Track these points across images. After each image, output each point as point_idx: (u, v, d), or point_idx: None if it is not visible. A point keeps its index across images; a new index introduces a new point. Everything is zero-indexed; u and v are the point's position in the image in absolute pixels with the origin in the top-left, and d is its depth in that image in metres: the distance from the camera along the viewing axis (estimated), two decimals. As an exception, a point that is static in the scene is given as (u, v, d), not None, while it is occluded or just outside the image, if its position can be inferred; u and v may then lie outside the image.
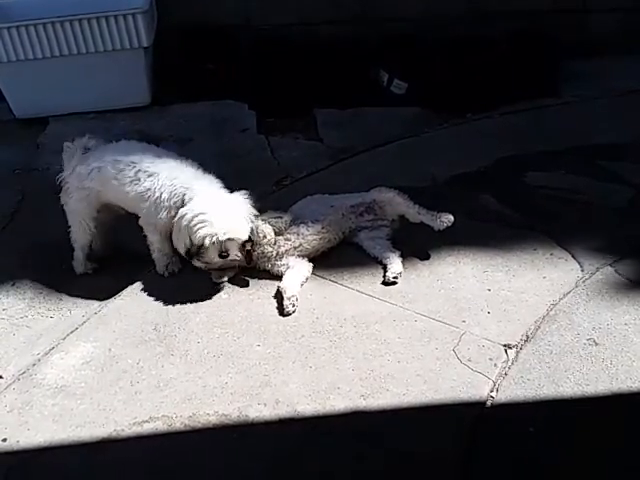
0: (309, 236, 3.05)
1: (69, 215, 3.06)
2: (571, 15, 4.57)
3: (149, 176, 2.88)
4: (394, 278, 2.95)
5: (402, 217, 3.16)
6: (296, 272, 2.97)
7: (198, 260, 2.93)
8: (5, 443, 2.42)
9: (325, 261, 3.09)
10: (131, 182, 2.89)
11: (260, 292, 2.98)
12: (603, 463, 2.26)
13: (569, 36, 4.46)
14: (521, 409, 2.42)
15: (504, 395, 2.46)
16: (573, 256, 3.03)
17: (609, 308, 2.75)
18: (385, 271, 2.99)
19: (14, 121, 4.37)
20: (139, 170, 2.90)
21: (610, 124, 3.93)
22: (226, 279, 3.03)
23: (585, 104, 4.20)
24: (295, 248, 3.03)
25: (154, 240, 3.01)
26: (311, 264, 3.03)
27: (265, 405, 2.48)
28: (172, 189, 2.87)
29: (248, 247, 3.01)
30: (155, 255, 3.05)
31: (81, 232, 3.06)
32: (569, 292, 2.85)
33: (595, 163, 3.66)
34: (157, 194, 2.87)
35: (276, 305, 2.88)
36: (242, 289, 3.00)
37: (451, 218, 3.01)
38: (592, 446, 2.30)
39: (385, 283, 2.96)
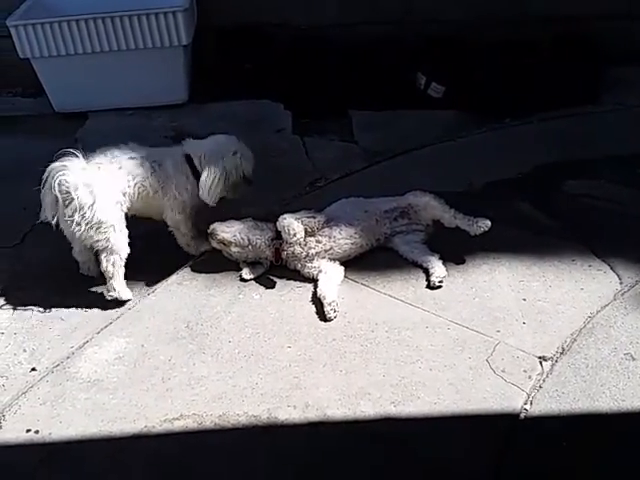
0: (341, 240, 3.03)
1: None
2: (616, 21, 4.48)
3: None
4: (439, 282, 2.91)
5: (437, 222, 3.13)
6: (330, 277, 2.95)
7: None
8: (37, 435, 2.45)
9: (357, 265, 3.07)
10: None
11: (292, 294, 2.98)
12: (638, 481, 2.21)
13: (613, 42, 4.38)
14: (555, 423, 2.37)
15: (538, 408, 2.41)
16: (612, 268, 2.97)
17: (648, 322, 2.70)
18: (428, 275, 2.96)
19: (53, 115, 4.43)
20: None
21: (652, 133, 3.86)
22: (254, 276, 3.04)
23: (626, 112, 4.13)
24: (326, 251, 3.02)
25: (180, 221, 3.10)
26: (343, 268, 3.02)
27: (295, 408, 2.47)
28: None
29: (277, 245, 3.01)
30: (184, 240, 3.16)
31: None
32: (607, 305, 2.79)
33: (636, 173, 3.59)
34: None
35: (314, 309, 2.87)
36: (274, 290, 3.00)
37: (488, 223, 2.96)
38: (627, 463, 2.25)
39: (430, 287, 2.92)
